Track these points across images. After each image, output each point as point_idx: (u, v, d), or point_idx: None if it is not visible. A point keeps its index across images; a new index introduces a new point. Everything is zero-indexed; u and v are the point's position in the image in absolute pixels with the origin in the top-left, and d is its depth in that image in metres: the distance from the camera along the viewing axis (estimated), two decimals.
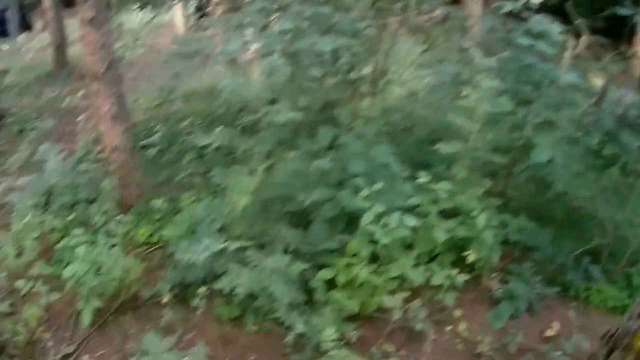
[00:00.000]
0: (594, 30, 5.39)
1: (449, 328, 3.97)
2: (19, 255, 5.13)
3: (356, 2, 5.32)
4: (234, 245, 3.60)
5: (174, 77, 9.50)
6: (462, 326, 3.93)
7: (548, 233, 4.55)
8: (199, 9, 15.34)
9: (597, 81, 5.36)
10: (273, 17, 5.15)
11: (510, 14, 4.68)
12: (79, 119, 7.53)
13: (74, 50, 13.46)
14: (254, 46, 4.54)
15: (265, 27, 4.73)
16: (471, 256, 4.03)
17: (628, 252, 4.34)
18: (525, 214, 4.43)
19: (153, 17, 16.81)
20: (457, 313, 4.01)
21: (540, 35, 4.32)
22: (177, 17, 16.25)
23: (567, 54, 5.42)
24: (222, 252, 4.02)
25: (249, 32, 4.78)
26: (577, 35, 5.28)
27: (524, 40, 4.23)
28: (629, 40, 11.12)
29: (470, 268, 4.18)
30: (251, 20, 4.69)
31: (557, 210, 4.77)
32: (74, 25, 13.54)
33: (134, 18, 17.11)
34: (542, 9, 4.64)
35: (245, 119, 4.28)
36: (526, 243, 4.39)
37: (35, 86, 12.46)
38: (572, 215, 4.80)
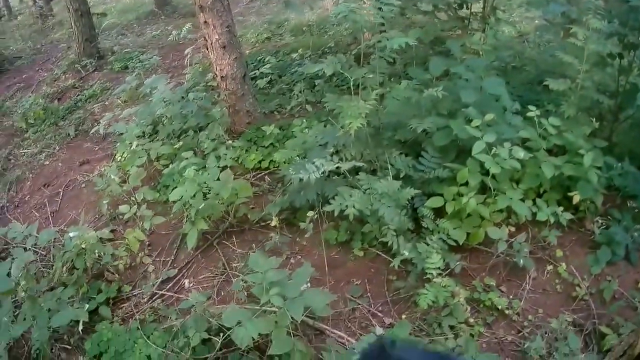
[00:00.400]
0: None
1: (549, 267, 3.93)
2: (123, 182, 5.26)
3: None
4: (346, 165, 3.64)
5: (283, 11, 9.48)
6: (562, 267, 3.87)
7: None
8: None
9: None
10: None
11: None
12: (186, 52, 7.64)
13: None
14: None
15: None
16: (576, 197, 3.95)
17: None
18: (629, 160, 4.29)
19: None
20: (559, 252, 3.96)
21: None
22: None
23: None
24: (333, 174, 4.08)
25: None
26: None
27: None
28: None
29: (575, 209, 4.09)
30: None
31: None
32: None
33: None
34: None
35: (356, 49, 4.26)
36: (628, 189, 4.26)
37: (136, 26, 12.77)
38: None
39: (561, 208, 3.91)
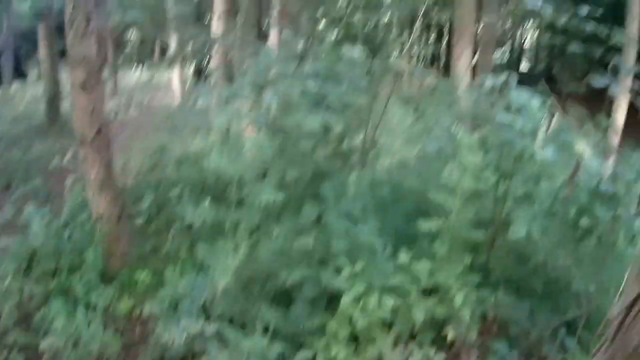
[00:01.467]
0: (577, 97, 5.54)
1: None
2: None
3: (349, 72, 5.45)
4: (211, 328, 3.60)
5: (167, 141, 9.50)
6: None
7: (526, 306, 4.57)
8: (197, 71, 15.32)
9: (581, 147, 5.46)
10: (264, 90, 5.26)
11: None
12: (67, 180, 7.47)
13: (68, 104, 13.51)
14: (245, 119, 4.61)
15: (256, 100, 4.81)
16: (450, 334, 4.04)
17: (603, 321, 4.35)
18: (504, 287, 4.45)
19: (150, 77, 16.87)
20: None
21: (520, 110, 4.42)
22: (175, 79, 16.16)
23: (548, 126, 5.53)
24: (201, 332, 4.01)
25: (241, 104, 4.86)
26: (560, 103, 5.42)
27: (504, 116, 4.34)
28: (609, 108, 11.44)
29: (450, 345, 4.18)
30: (242, 93, 4.77)
31: (536, 282, 4.79)
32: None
33: (131, 76, 17.15)
34: (529, 76, 4.78)
35: (233, 192, 4.31)
36: (504, 317, 4.41)
37: (25, 139, 12.45)
38: (550, 287, 4.83)
39: (434, 348, 3.96)
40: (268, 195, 3.74)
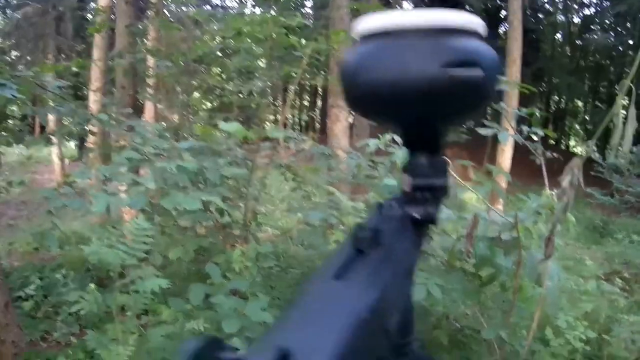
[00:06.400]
0: (459, 146, 5.66)
1: None
2: None
3: (224, 144, 5.36)
4: None
5: (49, 222, 9.11)
6: None
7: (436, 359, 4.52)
8: (80, 147, 14.85)
9: (473, 198, 5.54)
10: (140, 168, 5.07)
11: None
12: None
13: None
14: (123, 201, 4.40)
15: (133, 181, 4.61)
16: None
17: None
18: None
19: (30, 154, 16.24)
20: None
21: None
22: (54, 156, 15.79)
23: None
24: None
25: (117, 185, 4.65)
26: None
27: (389, 180, 4.34)
28: (492, 151, 11.91)
29: None
30: (118, 172, 4.57)
31: (441, 335, 4.78)
32: None
33: (11, 153, 16.47)
34: None
35: (116, 279, 4.10)
36: None
37: None
38: (457, 338, 4.82)
39: None
40: (151, 282, 3.55)
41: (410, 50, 0.75)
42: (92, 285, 4.48)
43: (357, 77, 0.80)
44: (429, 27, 0.75)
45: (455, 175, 4.02)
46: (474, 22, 0.78)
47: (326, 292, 0.60)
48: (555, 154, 4.60)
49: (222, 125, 4.04)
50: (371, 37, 0.78)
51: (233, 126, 3.99)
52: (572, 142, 41.12)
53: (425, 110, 0.78)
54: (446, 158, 0.87)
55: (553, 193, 3.48)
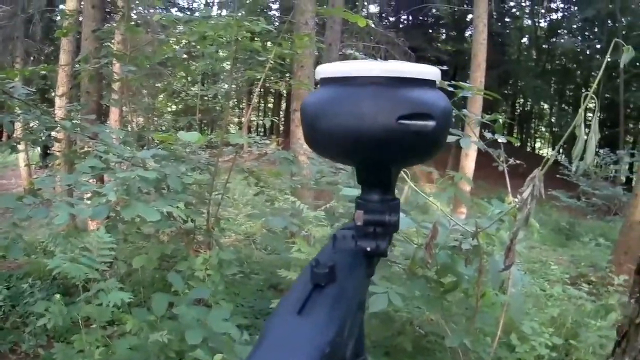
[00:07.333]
0: None
1: None
2: None
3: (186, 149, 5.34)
4: None
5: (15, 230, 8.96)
6: None
7: None
8: (45, 154, 14.57)
9: (435, 206, 5.57)
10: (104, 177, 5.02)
11: None
12: None
13: None
14: (86, 211, 4.35)
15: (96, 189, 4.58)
16: None
17: None
18: (372, 353, 4.41)
19: None
20: None
21: None
22: (21, 162, 15.43)
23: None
24: None
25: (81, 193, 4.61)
26: None
27: (347, 189, 4.36)
28: (457, 157, 11.94)
29: None
30: (80, 182, 4.53)
31: (405, 341, 4.81)
32: None
33: None
34: None
35: (80, 290, 4.07)
36: None
37: None
38: (421, 344, 4.85)
39: None
40: (114, 295, 3.54)
41: (367, 100, 0.79)
42: (58, 296, 4.41)
43: (316, 123, 0.84)
44: (386, 76, 0.79)
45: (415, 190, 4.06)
46: (430, 72, 0.83)
47: (290, 328, 0.64)
48: (517, 161, 4.65)
49: (182, 134, 4.03)
50: (331, 82, 0.83)
51: (193, 136, 3.98)
52: (537, 144, 41.70)
53: (379, 156, 0.83)
54: (397, 197, 0.90)
55: (515, 200, 3.52)
